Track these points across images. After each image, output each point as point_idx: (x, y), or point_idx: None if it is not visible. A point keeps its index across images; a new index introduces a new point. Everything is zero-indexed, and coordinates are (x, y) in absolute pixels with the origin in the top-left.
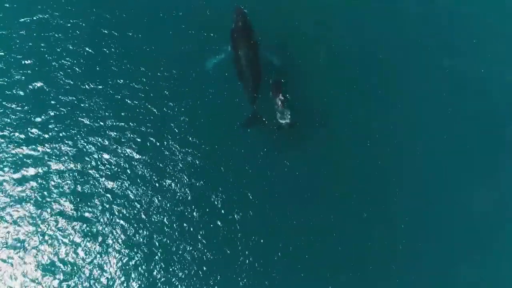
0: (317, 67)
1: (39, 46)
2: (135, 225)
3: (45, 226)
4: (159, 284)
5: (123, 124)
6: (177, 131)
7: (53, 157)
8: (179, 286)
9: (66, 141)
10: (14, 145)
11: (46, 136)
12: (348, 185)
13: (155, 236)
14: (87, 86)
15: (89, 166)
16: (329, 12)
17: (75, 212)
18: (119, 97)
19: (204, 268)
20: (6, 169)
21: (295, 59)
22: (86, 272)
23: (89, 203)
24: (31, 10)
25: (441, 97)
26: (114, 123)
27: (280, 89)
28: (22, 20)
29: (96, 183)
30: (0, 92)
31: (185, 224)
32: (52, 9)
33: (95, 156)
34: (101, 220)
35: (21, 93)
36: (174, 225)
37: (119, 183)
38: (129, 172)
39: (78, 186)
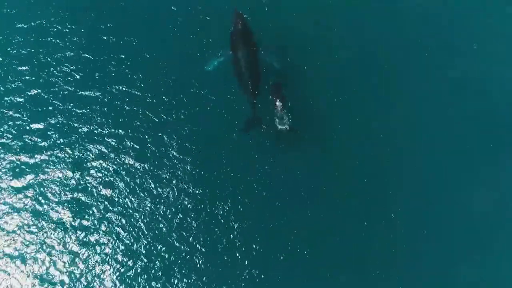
0: (316, 69)
1: (37, 52)
2: (134, 234)
3: (42, 234)
4: None
5: (121, 131)
6: (175, 137)
7: (51, 164)
8: None
9: (64, 149)
10: (12, 153)
11: (44, 143)
12: (348, 185)
13: (154, 244)
14: (85, 93)
15: (87, 173)
16: (329, 14)
17: (73, 220)
18: (118, 103)
19: (205, 272)
20: (3, 176)
21: (295, 62)
22: (84, 282)
23: (87, 211)
24: (29, 16)
25: (441, 97)
26: (113, 130)
27: (280, 92)
28: (20, 26)
29: (95, 191)
30: None
31: (184, 231)
32: (50, 15)
33: (94, 163)
34: (99, 228)
35: (19, 100)
36: (174, 233)
37: (118, 191)
38: (128, 180)
39: (76, 194)
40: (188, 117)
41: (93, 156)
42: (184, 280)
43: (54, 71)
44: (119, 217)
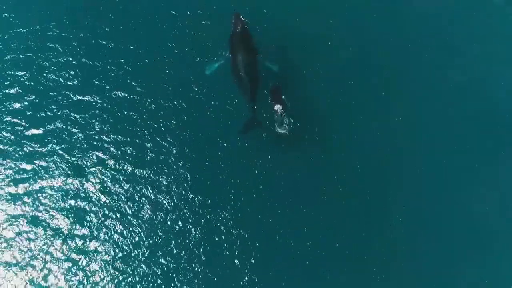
0: (316, 71)
1: (36, 57)
2: (133, 241)
3: (40, 241)
4: None
5: (120, 137)
6: (174, 142)
7: (50, 171)
8: None
9: (63, 155)
10: (10, 159)
11: (43, 149)
12: (348, 186)
13: (153, 251)
14: (84, 98)
15: (86, 180)
16: (329, 17)
17: (71, 228)
18: (117, 109)
19: (205, 278)
20: (1, 183)
21: (294, 64)
22: None
23: (86, 218)
24: (27, 21)
25: (441, 97)
26: (112, 136)
27: (280, 95)
28: (18, 30)
29: (94, 197)
30: None
31: (183, 238)
32: (48, 20)
33: (92, 169)
34: (98, 235)
35: (18, 105)
36: (173, 240)
37: (117, 197)
38: (127, 186)
39: (75, 201)
40: (187, 122)
41: (92, 162)
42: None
43: (53, 76)
44: (118, 224)
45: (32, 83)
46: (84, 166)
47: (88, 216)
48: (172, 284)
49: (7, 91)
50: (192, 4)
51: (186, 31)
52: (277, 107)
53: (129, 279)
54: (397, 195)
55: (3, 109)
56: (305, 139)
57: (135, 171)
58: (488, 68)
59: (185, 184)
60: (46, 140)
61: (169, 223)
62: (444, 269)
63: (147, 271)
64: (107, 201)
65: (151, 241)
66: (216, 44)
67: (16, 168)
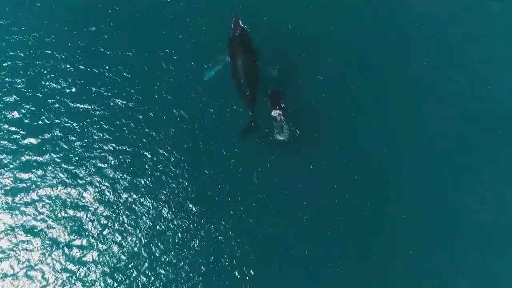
0: (316, 73)
1: (33, 65)
2: (131, 251)
3: (38, 251)
4: None
5: (118, 145)
6: (173, 150)
7: (47, 180)
8: None
9: (60, 164)
10: (6, 168)
11: (40, 158)
12: (348, 186)
13: (152, 261)
14: (82, 106)
15: (84, 189)
16: (328, 19)
17: (69, 238)
18: (115, 117)
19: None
20: None
21: (294, 68)
22: None
23: (83, 228)
24: (24, 28)
25: (441, 97)
26: (110, 145)
27: (279, 100)
28: (15, 38)
29: (92, 207)
30: None
31: (183, 247)
32: (46, 27)
33: (90, 179)
34: (96, 246)
35: (14, 114)
36: (172, 250)
37: (115, 206)
38: (125, 195)
39: (72, 210)
40: (186, 130)
41: (90, 171)
42: None
43: (51, 84)
44: (117, 233)
45: (30, 91)
46: (82, 175)
47: (86, 226)
48: None
49: (4, 99)
50: (190, 10)
51: (185, 37)
52: (277, 112)
53: None
54: (397, 195)
55: (0, 117)
56: (305, 139)
57: (134, 180)
58: (488, 68)
59: (183, 192)
60: (43, 148)
61: (168, 232)
62: (444, 269)
63: (146, 281)
64: (105, 210)
65: (150, 251)
66: (215, 49)
67: (13, 177)
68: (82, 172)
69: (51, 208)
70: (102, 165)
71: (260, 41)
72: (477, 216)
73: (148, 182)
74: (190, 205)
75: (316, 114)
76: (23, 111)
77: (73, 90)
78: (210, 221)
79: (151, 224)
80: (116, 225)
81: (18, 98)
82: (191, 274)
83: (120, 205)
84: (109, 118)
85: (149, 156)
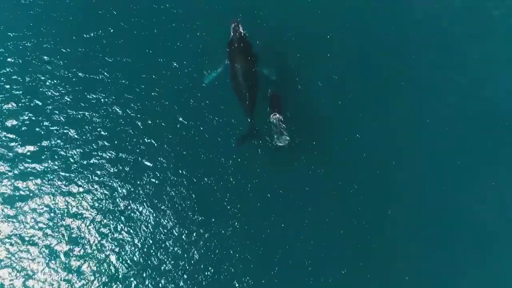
0: (316, 77)
1: (31, 72)
2: (130, 261)
3: (35, 261)
4: None
5: (117, 153)
6: (170, 156)
7: (45, 188)
8: None
9: (58, 173)
10: (4, 177)
11: (38, 166)
12: (348, 186)
13: (152, 271)
14: (80, 114)
15: (82, 198)
16: (328, 21)
17: (67, 247)
18: (113, 125)
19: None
20: None
21: (294, 72)
22: None
23: (82, 237)
24: (22, 34)
25: (441, 97)
26: (108, 153)
27: (279, 104)
28: (12, 44)
29: (90, 216)
30: None
31: (181, 257)
32: (43, 33)
33: (88, 187)
34: (95, 255)
35: (11, 122)
36: (170, 260)
37: (114, 216)
38: (123, 205)
39: (70, 219)
40: (185, 137)
41: (89, 180)
42: None
43: (49, 91)
44: (115, 242)
45: (28, 97)
46: (80, 183)
47: (84, 235)
48: None
49: (2, 106)
50: (189, 15)
51: (184, 42)
52: (277, 117)
53: None
54: (397, 195)
55: None
56: (305, 140)
57: (133, 188)
58: (488, 68)
59: (183, 200)
60: (41, 157)
61: (167, 240)
62: (444, 269)
63: None
64: (104, 218)
65: (149, 259)
66: (214, 53)
67: (11, 185)
68: (81, 180)
69: (49, 217)
70: (101, 173)
71: (260, 45)
72: (477, 216)
73: (147, 190)
74: (190, 213)
75: (316, 114)
76: (21, 119)
77: (72, 97)
78: (210, 228)
79: (150, 232)
80: (115, 233)
81: (16, 105)
82: (189, 282)
83: (119, 213)
84: (108, 126)
85: (148, 163)
